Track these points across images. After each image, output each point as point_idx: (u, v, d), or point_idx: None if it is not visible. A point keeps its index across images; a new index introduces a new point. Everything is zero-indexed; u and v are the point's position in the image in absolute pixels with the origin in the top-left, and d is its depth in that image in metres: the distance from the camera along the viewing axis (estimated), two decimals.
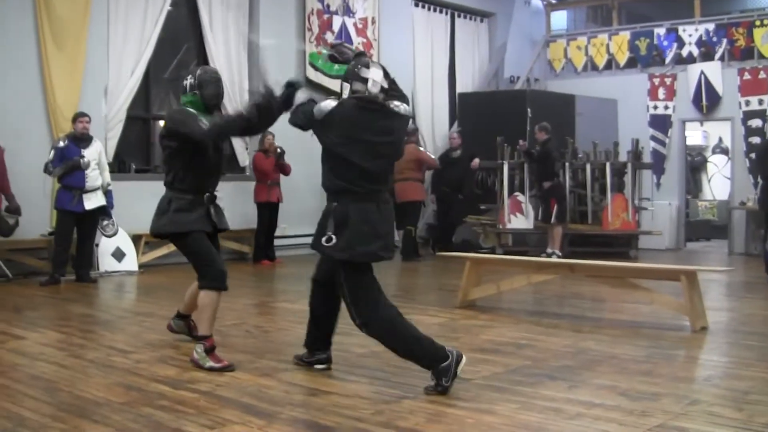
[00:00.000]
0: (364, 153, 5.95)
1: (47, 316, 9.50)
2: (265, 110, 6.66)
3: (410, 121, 7.86)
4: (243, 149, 15.73)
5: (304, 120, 6.33)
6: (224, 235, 14.39)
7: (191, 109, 6.79)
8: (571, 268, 9.47)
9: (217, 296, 6.68)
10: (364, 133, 5.97)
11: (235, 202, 14.65)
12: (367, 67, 6.15)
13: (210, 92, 6.87)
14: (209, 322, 6.67)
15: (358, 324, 5.95)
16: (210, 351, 6.61)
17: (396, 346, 5.98)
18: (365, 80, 6.08)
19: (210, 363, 6.56)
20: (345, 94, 6.13)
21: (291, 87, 6.64)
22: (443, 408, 5.40)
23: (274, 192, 14.77)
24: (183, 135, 6.66)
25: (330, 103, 6.09)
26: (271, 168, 14.64)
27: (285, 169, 14.66)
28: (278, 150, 14.47)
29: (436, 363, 5.77)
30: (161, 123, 15.19)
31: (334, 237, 5.89)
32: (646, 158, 17.48)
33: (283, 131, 14.62)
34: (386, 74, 6.18)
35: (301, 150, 15.14)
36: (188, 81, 6.89)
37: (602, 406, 5.45)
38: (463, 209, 16.72)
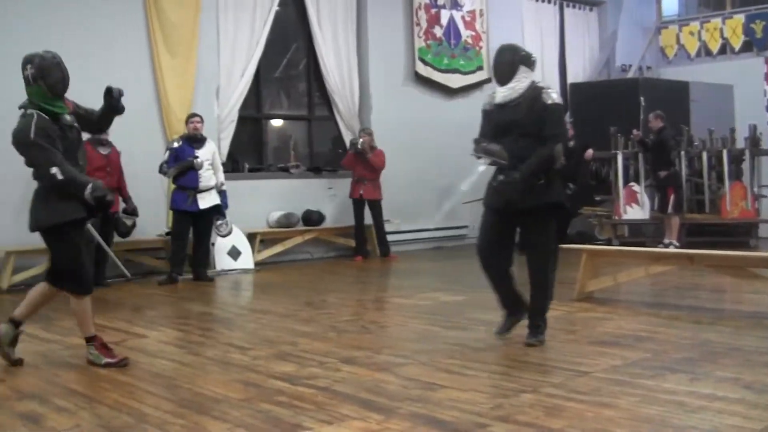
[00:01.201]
0: None
1: (166, 314, 9.64)
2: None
3: None
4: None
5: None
6: (335, 231, 14.53)
7: (40, 121, 6.42)
8: (690, 259, 9.23)
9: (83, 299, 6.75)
10: None
11: (348, 198, 14.72)
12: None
13: (55, 79, 6.50)
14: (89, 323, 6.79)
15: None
16: (102, 347, 6.72)
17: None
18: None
19: (106, 359, 6.65)
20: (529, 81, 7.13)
21: (109, 94, 6.91)
22: (562, 402, 5.31)
23: (357, 188, 14.67)
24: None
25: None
26: (353, 163, 14.65)
27: (365, 159, 14.52)
28: (356, 144, 14.50)
29: None
30: (272, 123, 15.35)
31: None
32: (765, 144, 17.02)
33: (384, 124, 14.62)
34: None
35: (405, 146, 15.24)
36: (29, 71, 6.48)
37: (725, 399, 5.29)
38: (577, 201, 16.51)
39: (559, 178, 7.16)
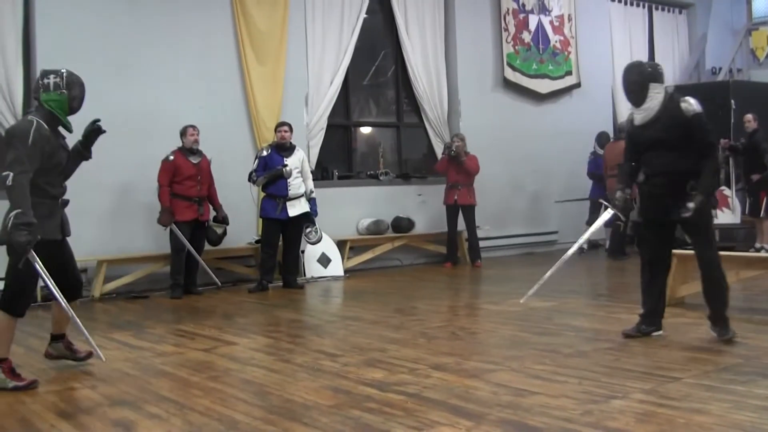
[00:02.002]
0: None
1: (256, 321, 9.69)
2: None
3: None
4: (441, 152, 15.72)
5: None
6: (425, 238, 14.50)
7: (41, 129, 6.43)
8: None
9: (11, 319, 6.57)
10: None
11: (437, 205, 14.74)
12: None
13: (76, 94, 6.69)
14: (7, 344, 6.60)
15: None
16: (9, 372, 6.47)
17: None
18: None
19: (13, 383, 6.42)
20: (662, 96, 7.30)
21: (94, 123, 6.99)
22: (653, 408, 5.23)
23: (451, 194, 14.61)
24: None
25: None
26: (446, 168, 14.59)
27: (460, 163, 14.41)
28: (451, 148, 14.44)
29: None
30: (361, 130, 15.39)
31: None
32: None
33: (472, 130, 14.59)
34: None
35: (494, 152, 15.16)
36: (52, 79, 6.63)
37: None
38: None
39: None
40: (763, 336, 7.51)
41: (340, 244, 13.71)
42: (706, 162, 7.09)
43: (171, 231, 11.59)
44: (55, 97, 6.61)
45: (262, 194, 12.31)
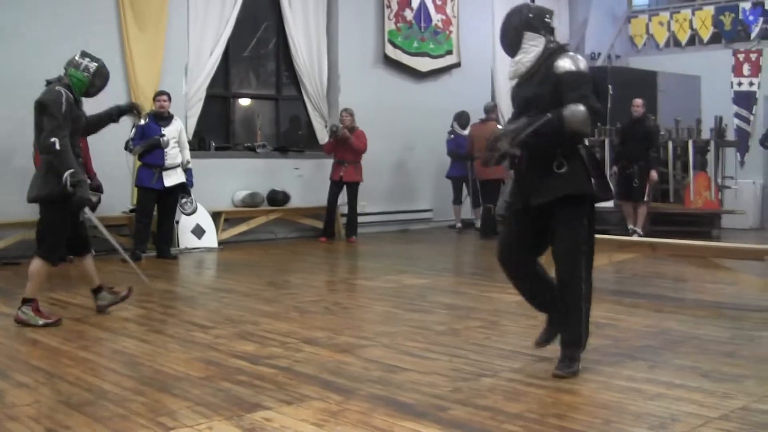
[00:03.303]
0: None
1: None
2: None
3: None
4: (322, 127, 15.70)
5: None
6: (301, 212, 14.51)
7: (70, 99, 7.37)
8: (653, 247, 9.29)
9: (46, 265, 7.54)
10: None
11: (314, 179, 14.76)
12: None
13: (98, 85, 7.64)
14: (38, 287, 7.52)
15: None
16: (36, 311, 7.43)
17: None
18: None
19: (42, 320, 7.35)
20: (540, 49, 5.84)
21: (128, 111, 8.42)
22: (522, 387, 5.36)
23: (337, 170, 14.59)
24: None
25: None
26: (332, 150, 14.63)
27: (346, 143, 14.40)
28: (336, 131, 14.45)
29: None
30: (240, 102, 15.29)
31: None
32: (730, 136, 17.14)
33: (352, 106, 14.58)
34: None
35: (373, 128, 15.20)
36: (86, 62, 7.54)
37: (683, 387, 5.36)
38: None
39: (585, 164, 5.81)
40: (632, 318, 7.74)
41: (215, 216, 13.60)
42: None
43: None
44: (80, 77, 7.47)
45: (138, 163, 12.18)
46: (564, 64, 5.70)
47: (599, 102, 5.86)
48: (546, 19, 5.96)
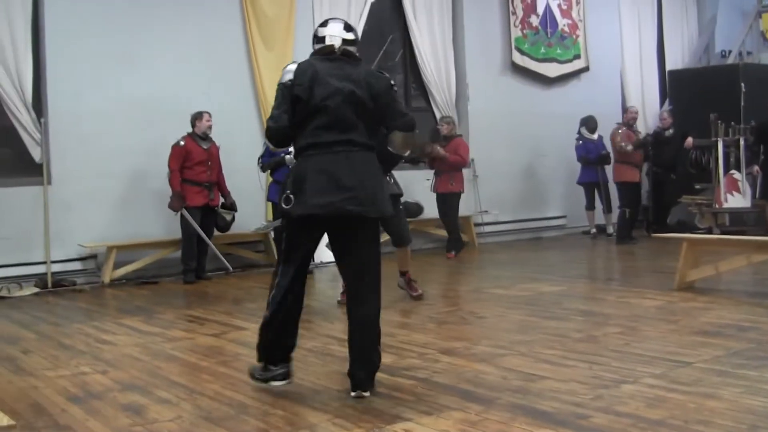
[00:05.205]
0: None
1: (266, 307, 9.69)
2: None
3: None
4: None
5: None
6: (438, 223, 14.45)
7: None
8: None
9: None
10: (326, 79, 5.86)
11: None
12: (324, 25, 6.20)
13: None
14: None
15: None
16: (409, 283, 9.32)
17: None
18: (322, 39, 6.18)
19: (415, 293, 9.31)
20: None
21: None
22: (664, 393, 5.23)
23: (435, 181, 14.19)
24: None
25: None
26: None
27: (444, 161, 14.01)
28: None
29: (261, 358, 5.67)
30: None
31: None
32: None
33: (481, 114, 14.38)
34: (348, 27, 6.14)
35: (502, 136, 15.05)
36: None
37: None
38: (677, 189, 16.28)
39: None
40: None
41: None
42: None
43: (182, 216, 11.62)
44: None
45: (269, 179, 12.33)
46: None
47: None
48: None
